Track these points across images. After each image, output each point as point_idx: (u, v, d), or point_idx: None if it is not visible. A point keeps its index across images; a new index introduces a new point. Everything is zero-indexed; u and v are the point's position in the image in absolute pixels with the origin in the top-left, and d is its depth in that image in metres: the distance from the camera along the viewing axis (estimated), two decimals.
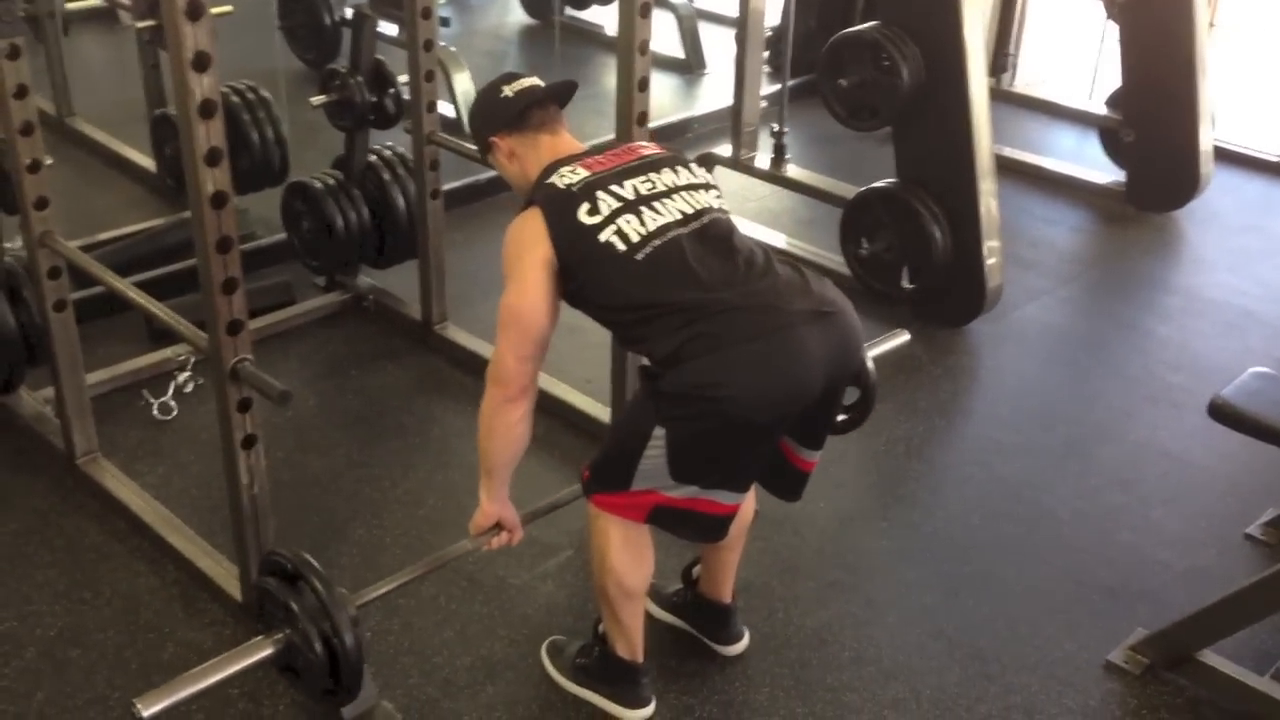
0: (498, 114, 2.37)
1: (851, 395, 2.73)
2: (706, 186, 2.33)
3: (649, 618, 2.67)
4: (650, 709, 2.51)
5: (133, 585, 2.83)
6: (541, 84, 2.40)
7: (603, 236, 2.16)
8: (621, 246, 2.16)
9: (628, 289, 2.16)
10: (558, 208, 2.20)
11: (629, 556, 2.35)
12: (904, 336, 3.07)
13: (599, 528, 2.34)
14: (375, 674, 2.57)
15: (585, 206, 2.19)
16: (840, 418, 2.77)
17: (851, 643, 2.76)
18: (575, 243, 2.18)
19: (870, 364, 2.75)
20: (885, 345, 3.01)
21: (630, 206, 2.20)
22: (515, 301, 2.20)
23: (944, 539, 3.11)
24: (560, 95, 2.42)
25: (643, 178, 2.26)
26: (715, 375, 2.09)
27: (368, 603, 2.38)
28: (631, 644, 2.46)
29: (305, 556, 2.30)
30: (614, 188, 2.22)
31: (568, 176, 2.24)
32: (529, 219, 2.23)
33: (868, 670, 2.68)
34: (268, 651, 2.28)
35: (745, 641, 2.70)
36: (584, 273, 2.18)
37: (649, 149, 2.38)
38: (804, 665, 2.68)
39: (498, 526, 2.42)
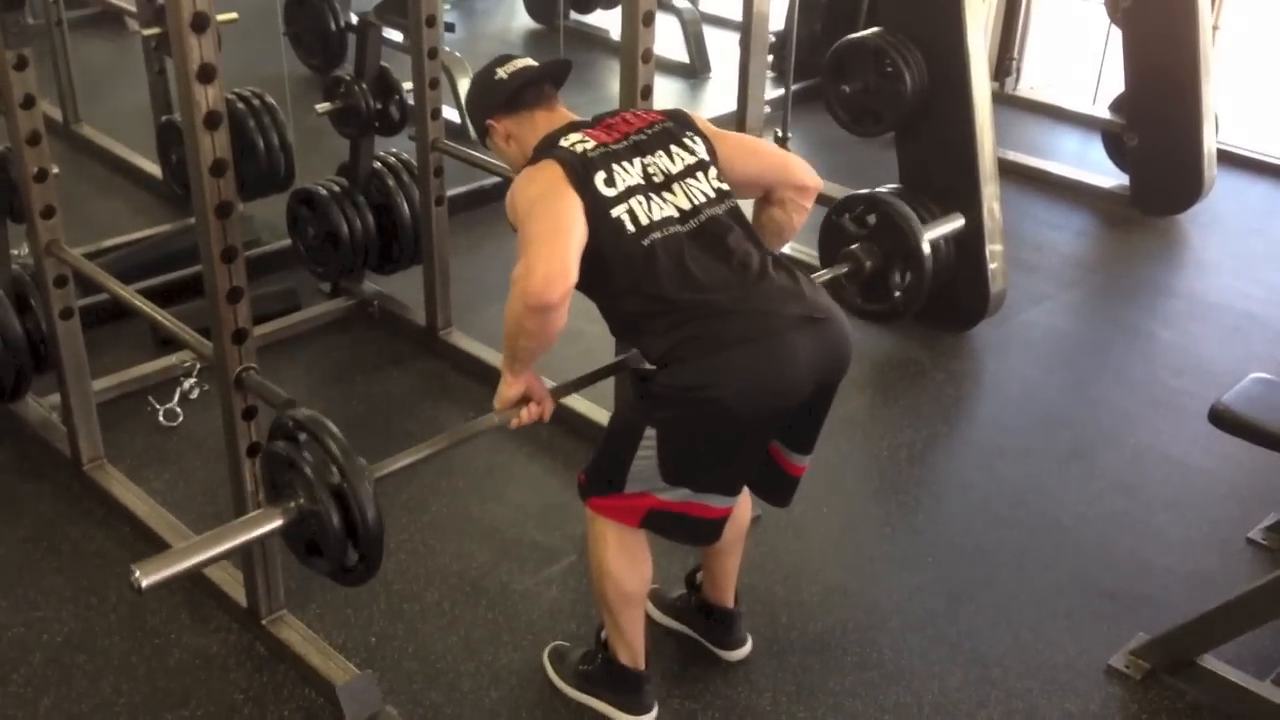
0: (492, 96, 2.35)
1: (905, 275, 2.70)
2: (703, 167, 2.29)
3: (652, 623, 2.69)
4: (653, 715, 2.52)
5: None
6: (535, 63, 2.38)
7: (615, 212, 2.15)
8: (630, 227, 2.15)
9: (629, 271, 2.14)
10: (576, 168, 2.15)
11: (625, 561, 2.36)
12: (959, 220, 3.02)
13: (596, 532, 2.36)
14: (380, 679, 2.59)
15: (602, 175, 2.16)
16: (896, 295, 2.76)
17: (854, 648, 2.77)
18: (591, 207, 2.14)
19: (926, 248, 2.72)
20: (941, 228, 2.96)
21: (640, 190, 2.19)
22: (553, 213, 2.09)
23: (946, 544, 3.12)
24: (555, 74, 2.40)
25: (647, 159, 2.23)
26: (705, 377, 2.11)
27: (386, 475, 2.18)
28: (633, 651, 2.48)
29: (319, 416, 2.09)
30: (626, 164, 2.20)
31: (580, 144, 2.20)
32: (545, 168, 2.17)
33: (870, 675, 2.69)
34: (276, 520, 2.07)
35: (748, 646, 2.71)
36: (594, 238, 2.13)
37: (644, 121, 2.32)
38: (806, 670, 2.70)
39: (525, 399, 2.29)
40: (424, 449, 2.28)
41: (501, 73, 2.35)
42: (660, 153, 2.27)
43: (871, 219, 2.80)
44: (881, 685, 2.66)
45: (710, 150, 2.32)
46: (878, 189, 2.85)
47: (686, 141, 2.30)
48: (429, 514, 3.15)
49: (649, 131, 2.29)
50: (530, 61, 2.38)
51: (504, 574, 2.95)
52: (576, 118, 2.34)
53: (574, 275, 2.06)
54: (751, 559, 2.79)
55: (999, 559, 3.06)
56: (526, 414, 2.28)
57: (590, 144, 2.21)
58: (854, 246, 2.83)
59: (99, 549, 2.98)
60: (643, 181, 2.20)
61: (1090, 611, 2.89)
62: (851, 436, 3.52)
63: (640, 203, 2.17)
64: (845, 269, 2.79)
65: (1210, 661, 2.63)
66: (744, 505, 2.55)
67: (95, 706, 2.54)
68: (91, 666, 2.64)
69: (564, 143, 2.21)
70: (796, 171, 2.40)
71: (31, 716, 2.52)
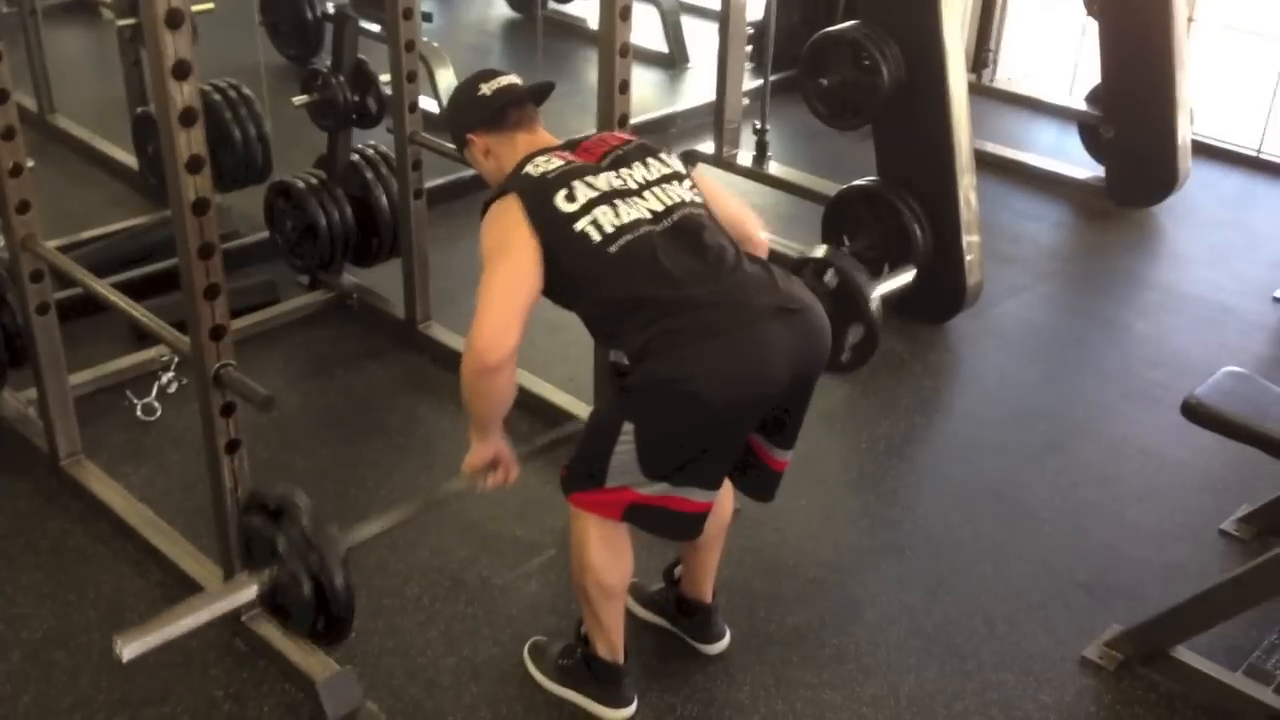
0: (475, 112, 2.39)
1: (856, 334, 2.73)
2: (678, 177, 2.35)
3: (631, 617, 2.70)
4: (632, 708, 2.54)
5: (117, 587, 2.85)
6: (520, 82, 2.42)
7: (578, 226, 2.18)
8: (596, 237, 2.18)
9: (600, 280, 2.19)
10: (534, 194, 2.21)
11: (607, 555, 2.38)
12: (910, 273, 3.05)
13: (577, 527, 2.37)
14: (360, 675, 2.59)
15: (562, 193, 2.21)
16: (844, 356, 2.79)
17: (832, 640, 2.79)
18: (552, 229, 2.19)
19: (876, 303, 2.75)
20: (891, 283, 2.99)
21: (605, 199, 2.22)
22: (504, 271, 2.17)
23: (923, 537, 3.14)
24: (538, 95, 2.45)
25: (615, 173, 2.28)
26: (680, 369, 2.13)
27: (357, 544, 2.30)
28: (612, 644, 2.49)
29: (292, 492, 2.22)
30: (589, 179, 2.25)
31: (542, 166, 2.26)
32: (506, 205, 2.23)
33: (847, 668, 2.71)
34: (252, 590, 2.20)
35: (726, 640, 2.73)
36: (560, 259, 2.19)
37: (621, 139, 2.40)
38: (784, 663, 2.71)
39: (493, 465, 2.40)
40: (394, 516, 2.42)
41: (485, 89, 2.38)
42: (636, 164, 2.32)
43: (828, 277, 2.81)
44: (859, 677, 2.69)
45: (686, 169, 2.39)
46: (837, 255, 2.86)
47: (663, 157, 2.38)
48: None
49: (625, 148, 2.35)
50: (515, 79, 2.42)
51: (484, 568, 2.95)
52: (555, 141, 2.39)
53: (513, 338, 2.14)
54: (729, 552, 2.80)
55: (975, 551, 3.09)
56: (492, 480, 2.42)
57: (554, 165, 2.26)
58: None
59: (77, 545, 2.98)
60: (607, 190, 2.24)
61: (1065, 603, 2.92)
62: (830, 429, 3.54)
63: (605, 212, 2.20)
64: None
65: (1183, 653, 2.66)
66: (725, 501, 2.56)
67: (75, 703, 2.54)
68: (71, 663, 2.64)
69: (528, 167, 2.26)
70: (752, 229, 2.48)
71: (11, 713, 2.51)
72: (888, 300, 2.83)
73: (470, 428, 2.35)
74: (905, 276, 3.01)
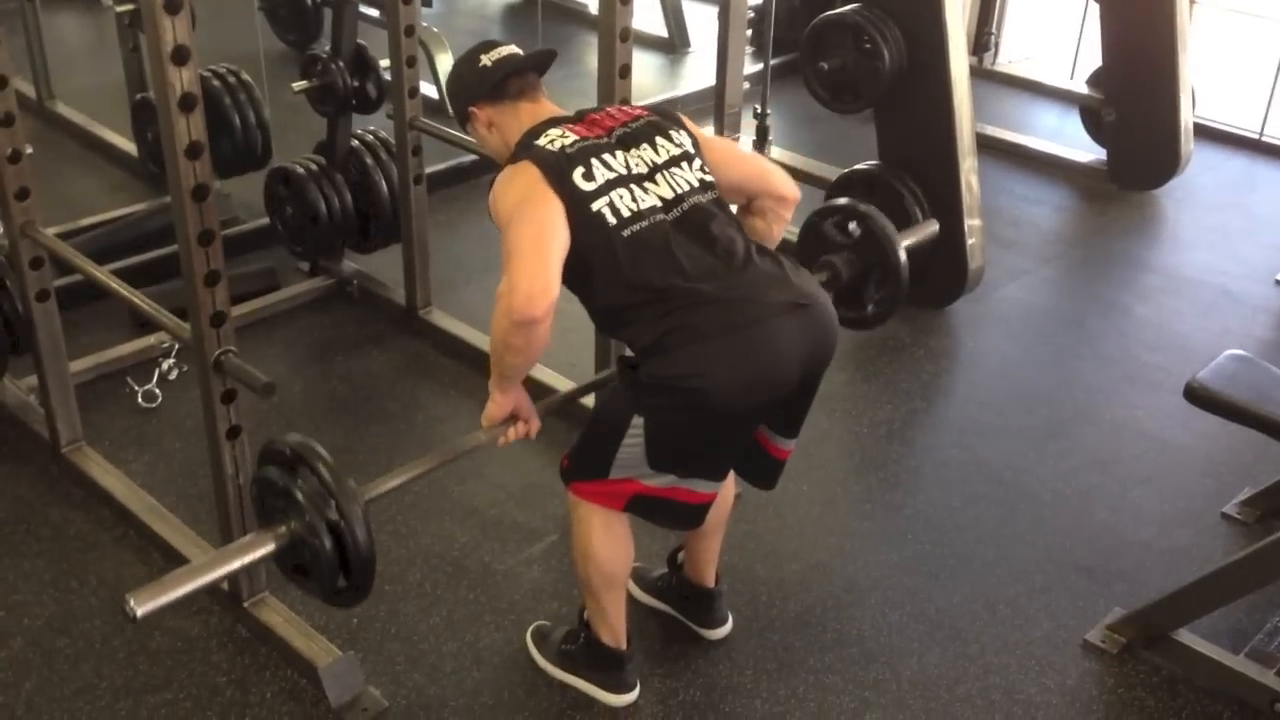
0: (476, 84, 2.34)
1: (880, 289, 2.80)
2: (688, 158, 2.29)
3: (633, 602, 2.71)
4: (634, 694, 2.54)
5: (119, 574, 2.85)
6: (520, 52, 2.37)
7: (595, 206, 2.14)
8: (612, 220, 2.14)
9: (612, 265, 2.14)
10: (552, 166, 2.15)
11: (609, 544, 2.37)
12: (933, 225, 3.08)
13: (579, 516, 2.37)
14: (362, 661, 2.60)
15: (580, 171, 2.16)
16: (869, 308, 2.82)
17: (833, 625, 2.79)
18: (570, 204, 2.14)
19: (903, 256, 2.77)
20: (917, 235, 3.01)
21: (622, 182, 2.18)
22: (534, 223, 2.10)
23: (925, 521, 3.14)
24: (539, 64, 2.39)
25: (629, 152, 2.23)
26: (694, 366, 2.11)
27: (376, 497, 2.18)
28: (615, 631, 2.49)
29: (309, 442, 2.09)
30: (606, 158, 2.20)
31: (558, 140, 2.20)
32: (523, 171, 2.16)
33: (849, 652, 2.71)
34: (269, 545, 2.07)
35: (729, 625, 2.73)
36: (576, 234, 2.13)
37: (630, 115, 2.33)
38: (786, 648, 2.72)
39: (513, 417, 2.29)
40: (412, 469, 2.29)
41: (486, 60, 2.33)
42: (645, 145, 2.26)
43: (853, 227, 2.83)
44: (861, 662, 2.69)
45: (695, 144, 2.33)
46: (861, 204, 2.88)
47: (671, 134, 2.30)
48: (410, 494, 3.14)
49: (634, 125, 2.29)
50: (515, 50, 2.36)
51: (485, 554, 2.96)
52: (560, 111, 2.34)
53: (555, 289, 2.07)
54: (732, 538, 2.80)
55: (976, 535, 3.09)
56: (514, 432, 2.29)
57: (570, 139, 2.20)
58: (833, 256, 2.85)
59: (79, 532, 2.98)
60: (624, 173, 2.19)
61: (1067, 587, 2.92)
62: (831, 413, 3.54)
63: (621, 195, 2.16)
64: (823, 277, 2.83)
65: (1186, 636, 2.67)
66: (728, 488, 2.56)
67: (77, 690, 2.55)
68: (73, 650, 2.64)
69: (542, 140, 2.21)
70: (776, 182, 2.43)
71: (13, 700, 2.52)
72: (911, 253, 2.86)
73: (491, 381, 2.24)
74: (929, 228, 3.04)
